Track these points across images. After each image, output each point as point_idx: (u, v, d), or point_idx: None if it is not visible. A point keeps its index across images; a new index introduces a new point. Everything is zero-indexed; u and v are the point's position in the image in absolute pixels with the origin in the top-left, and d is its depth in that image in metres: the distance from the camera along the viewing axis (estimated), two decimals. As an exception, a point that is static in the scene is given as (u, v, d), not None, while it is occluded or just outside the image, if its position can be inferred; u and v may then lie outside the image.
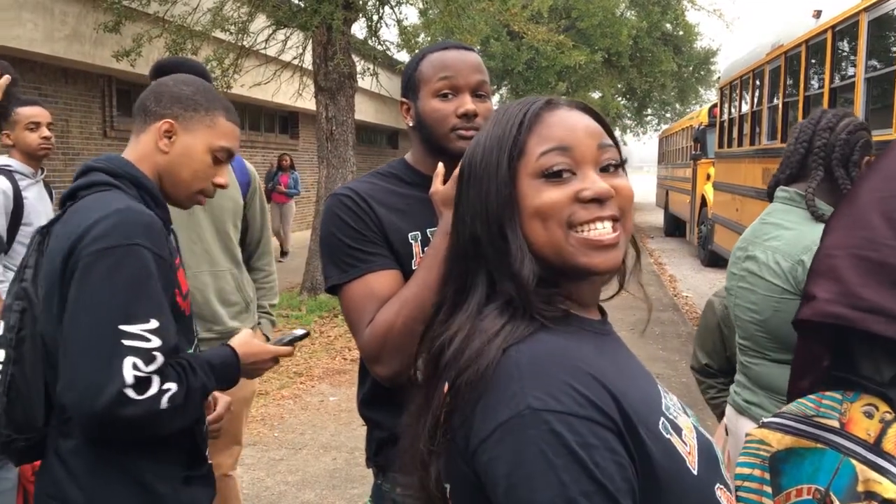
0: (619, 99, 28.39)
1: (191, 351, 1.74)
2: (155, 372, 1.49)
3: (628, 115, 31.32)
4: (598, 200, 1.01)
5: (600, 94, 26.38)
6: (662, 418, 1.00)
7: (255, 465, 4.66)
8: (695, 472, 0.98)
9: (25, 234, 3.38)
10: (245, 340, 1.81)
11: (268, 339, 3.30)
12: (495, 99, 26.94)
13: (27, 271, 1.63)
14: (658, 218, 22.93)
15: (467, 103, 1.71)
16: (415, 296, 1.56)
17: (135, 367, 1.46)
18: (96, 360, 1.46)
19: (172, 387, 1.52)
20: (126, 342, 1.46)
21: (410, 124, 1.81)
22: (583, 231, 1.01)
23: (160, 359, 1.49)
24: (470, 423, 0.96)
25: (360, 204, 1.71)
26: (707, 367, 2.89)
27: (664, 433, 0.97)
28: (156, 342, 1.49)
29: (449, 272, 1.10)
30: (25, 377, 1.61)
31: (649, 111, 31.47)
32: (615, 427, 0.92)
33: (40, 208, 3.47)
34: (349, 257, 1.68)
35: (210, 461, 1.82)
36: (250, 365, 1.80)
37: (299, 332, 1.98)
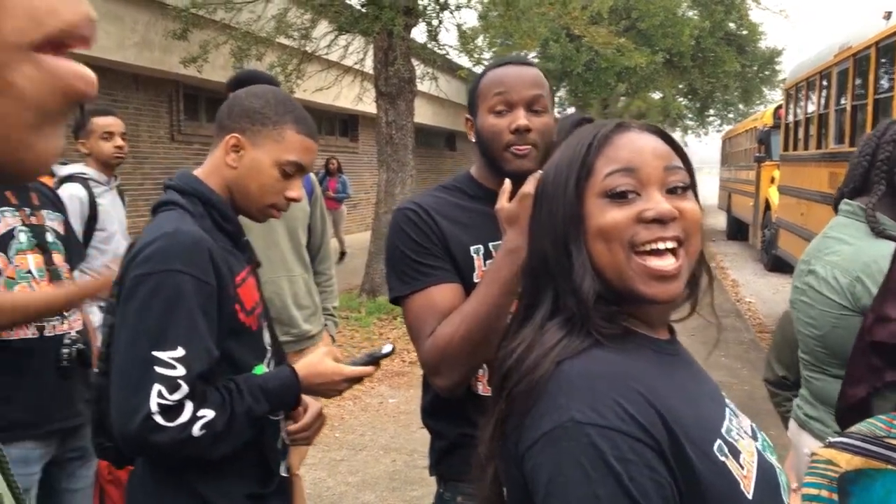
0: (681, 99, 27.99)
1: (262, 366, 1.72)
2: (186, 398, 1.48)
3: (690, 115, 30.85)
4: (661, 221, 1.02)
5: (661, 95, 26.06)
6: (719, 440, 1.01)
7: (317, 465, 4.75)
8: (749, 496, 0.99)
9: (100, 238, 3.52)
10: (310, 362, 1.75)
11: (333, 341, 3.40)
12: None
13: (115, 287, 1.66)
14: (720, 221, 22.50)
15: (519, 118, 1.72)
16: (474, 311, 1.60)
17: (160, 394, 1.46)
18: (130, 383, 1.48)
19: (209, 413, 1.50)
20: (157, 368, 1.46)
21: (473, 140, 1.84)
22: (644, 254, 1.03)
23: (185, 388, 1.47)
24: (521, 430, 1.00)
25: (423, 218, 1.75)
26: (784, 379, 2.83)
27: (718, 455, 0.99)
28: (180, 370, 1.48)
29: (523, 287, 1.14)
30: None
31: (711, 112, 30.93)
32: (657, 446, 0.94)
33: (114, 214, 3.61)
34: (412, 270, 1.72)
35: (286, 474, 1.79)
36: (319, 386, 1.74)
37: (385, 349, 1.86)
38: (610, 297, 1.05)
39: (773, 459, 1.11)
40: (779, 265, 12.25)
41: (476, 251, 1.75)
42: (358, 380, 1.79)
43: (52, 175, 3.75)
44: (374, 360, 1.82)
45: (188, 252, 1.54)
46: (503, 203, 1.62)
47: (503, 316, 1.50)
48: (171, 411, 1.46)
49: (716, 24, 22.34)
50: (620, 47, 11.77)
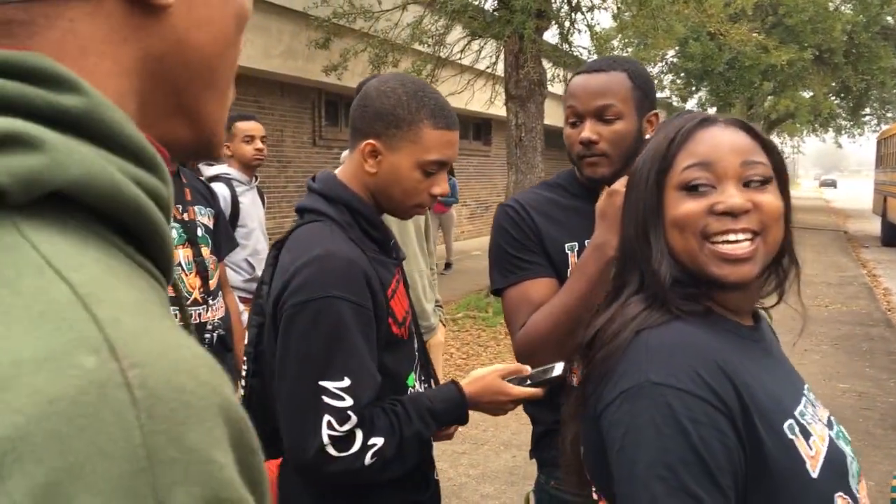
0: (833, 98, 26.47)
1: (412, 374, 1.70)
2: (355, 427, 1.46)
3: (843, 114, 29.12)
4: (732, 214, 1.09)
5: (811, 94, 24.74)
6: (791, 420, 1.06)
7: (440, 456, 4.85)
8: (814, 476, 1.03)
9: (241, 234, 3.81)
10: (479, 379, 1.66)
11: (444, 326, 3.59)
12: (692, 103, 26.00)
13: (263, 287, 1.67)
14: (874, 226, 21.13)
15: (584, 130, 1.74)
16: (563, 303, 1.67)
17: (329, 425, 1.44)
18: (299, 415, 1.47)
19: (378, 441, 1.48)
20: (325, 399, 1.44)
21: None
22: (716, 243, 1.09)
23: (353, 418, 1.46)
24: (600, 391, 1.09)
25: (521, 214, 1.83)
26: None
27: (788, 433, 1.04)
28: (348, 401, 1.46)
29: (616, 270, 1.23)
30: (263, 389, 1.66)
31: (867, 111, 29.06)
32: (728, 413, 1.00)
33: (253, 212, 3.90)
34: (510, 264, 1.81)
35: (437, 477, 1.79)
36: (486, 405, 1.66)
37: (556, 370, 1.66)
38: (688, 282, 1.13)
39: (846, 448, 1.13)
40: (937, 273, 11.42)
41: (571, 248, 1.80)
42: (524, 400, 1.69)
43: (200, 174, 4.10)
44: (544, 381, 1.67)
45: (344, 276, 1.50)
46: (601, 200, 1.69)
47: (590, 308, 1.47)
48: (342, 441, 1.45)
49: (871, 19, 20.99)
50: (759, 44, 11.31)
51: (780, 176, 1.16)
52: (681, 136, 1.14)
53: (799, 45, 18.08)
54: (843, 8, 21.38)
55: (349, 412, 1.45)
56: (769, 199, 1.12)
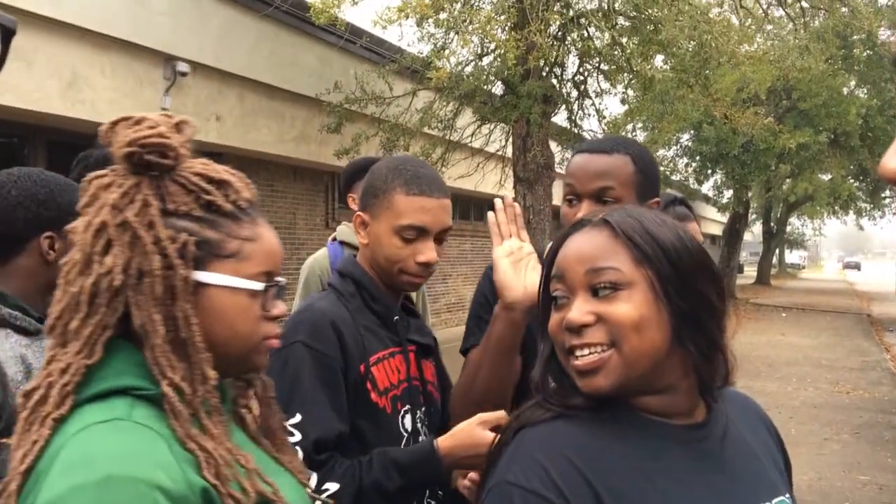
0: (851, 180, 26.42)
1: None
2: (311, 468, 1.45)
3: (862, 197, 29.01)
4: (571, 329, 1.04)
5: (829, 177, 24.71)
6: None
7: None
8: None
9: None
10: (458, 432, 1.58)
11: None
12: (708, 185, 26.04)
13: None
14: (899, 309, 20.80)
15: (581, 211, 1.68)
16: (471, 367, 1.75)
17: None
18: None
19: (332, 487, 1.50)
20: None
21: None
22: (572, 355, 1.05)
23: (300, 454, 1.45)
24: (484, 481, 1.10)
25: (489, 275, 1.82)
26: None
27: None
28: (297, 437, 1.49)
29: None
30: None
31: (886, 193, 28.94)
32: None
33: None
34: (475, 326, 1.84)
35: None
36: (468, 459, 1.56)
37: None
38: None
39: None
40: (964, 359, 11.11)
41: None
42: None
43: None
44: None
45: (311, 325, 1.61)
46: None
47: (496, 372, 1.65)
48: None
49: (886, 102, 21.09)
50: (767, 128, 11.37)
51: (683, 274, 1.04)
52: (556, 244, 1.13)
53: (814, 129, 18.14)
54: (857, 92, 21.55)
55: (296, 447, 1.45)
56: (618, 308, 1.02)
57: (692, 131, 21.09)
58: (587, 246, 1.07)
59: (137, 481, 0.87)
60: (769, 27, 12.25)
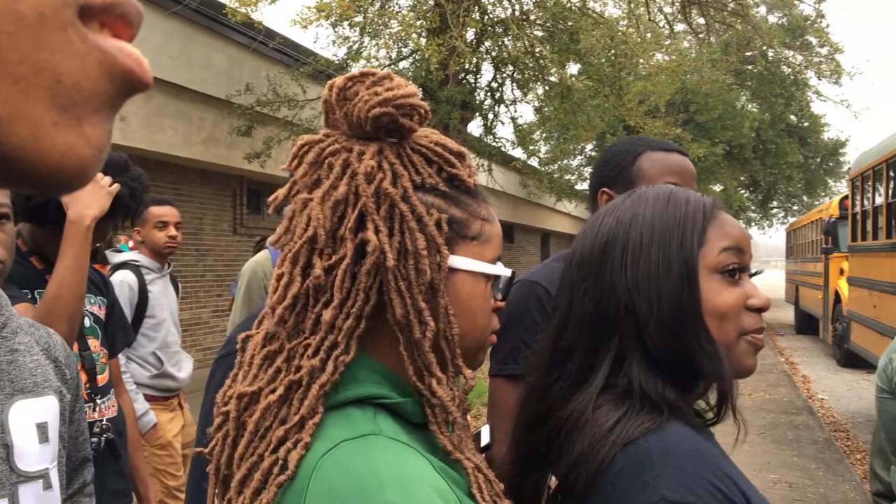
0: (742, 191, 27.66)
1: None
2: None
3: (752, 207, 30.42)
4: (762, 310, 1.02)
5: (722, 187, 25.81)
6: None
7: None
8: None
9: (149, 325, 3.53)
10: None
11: None
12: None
13: None
14: (787, 314, 21.83)
15: None
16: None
17: None
18: None
19: None
20: None
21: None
22: (749, 334, 1.01)
23: None
24: None
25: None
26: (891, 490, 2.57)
27: None
28: None
29: (575, 343, 1.03)
30: None
31: (775, 203, 30.46)
32: None
33: (164, 302, 3.62)
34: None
35: None
36: None
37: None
38: (672, 376, 0.98)
39: None
40: (852, 360, 11.73)
41: None
42: None
43: (107, 262, 3.82)
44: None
45: None
46: None
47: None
48: None
49: (776, 117, 22.22)
50: (677, 138, 11.76)
51: None
52: (708, 210, 1.03)
53: (710, 141, 18.90)
54: (749, 106, 22.60)
55: None
56: None
57: (595, 141, 21.62)
58: (746, 231, 1.07)
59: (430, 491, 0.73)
60: (667, 42, 12.67)
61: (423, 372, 0.84)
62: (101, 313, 2.59)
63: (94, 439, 2.36)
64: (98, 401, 2.42)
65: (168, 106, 8.88)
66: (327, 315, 0.80)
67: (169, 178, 9.60)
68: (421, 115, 0.86)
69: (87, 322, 2.49)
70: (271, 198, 0.89)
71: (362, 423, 0.78)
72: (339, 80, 0.85)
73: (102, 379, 2.47)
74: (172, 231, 3.67)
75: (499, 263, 0.93)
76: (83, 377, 2.40)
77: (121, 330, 2.75)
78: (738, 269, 1.01)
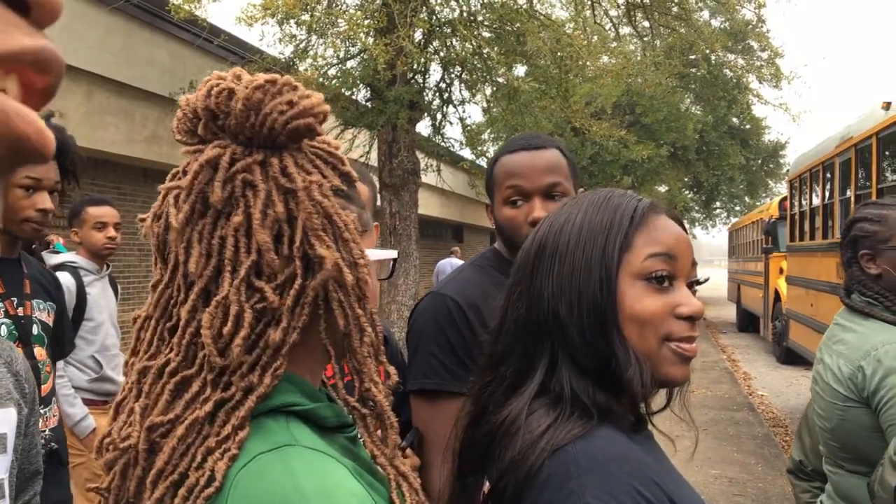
0: (686, 192, 28.20)
1: None
2: None
3: (696, 208, 31.03)
4: (693, 319, 0.99)
5: (667, 188, 26.25)
6: None
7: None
8: None
9: (87, 328, 3.45)
10: None
11: None
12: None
13: None
14: (730, 312, 22.31)
15: (535, 210, 1.62)
16: None
17: None
18: None
19: None
20: None
21: (493, 227, 1.76)
22: (674, 340, 0.99)
23: None
24: None
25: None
26: (801, 465, 2.68)
27: None
28: None
29: (510, 347, 1.04)
30: None
31: (717, 204, 31.13)
32: None
33: (103, 304, 3.55)
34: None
35: None
36: None
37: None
38: (598, 381, 0.98)
39: None
40: (791, 357, 12.05)
41: None
42: None
43: (43, 263, 3.72)
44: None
45: None
46: None
47: None
48: None
49: (719, 119, 22.69)
50: (622, 139, 11.93)
51: None
52: (639, 214, 1.02)
53: (655, 143, 19.22)
54: (693, 109, 23.04)
55: None
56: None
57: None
58: (687, 237, 1.05)
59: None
60: (613, 44, 12.84)
61: (362, 378, 0.83)
62: (50, 320, 2.51)
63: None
64: (41, 411, 2.35)
65: (109, 103, 8.69)
66: (276, 335, 0.79)
67: (111, 176, 9.39)
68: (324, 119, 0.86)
69: (34, 329, 2.41)
70: (147, 222, 0.87)
71: (277, 434, 0.77)
72: (241, 90, 0.81)
73: (46, 388, 2.41)
74: (111, 232, 3.59)
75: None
76: None
77: (67, 335, 2.68)
78: (666, 276, 0.99)
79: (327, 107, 0.84)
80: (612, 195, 1.06)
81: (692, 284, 1.04)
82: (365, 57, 8.80)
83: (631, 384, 0.94)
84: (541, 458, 0.89)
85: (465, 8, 9.30)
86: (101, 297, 3.53)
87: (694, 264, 1.05)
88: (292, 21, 8.67)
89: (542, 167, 1.65)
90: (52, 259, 3.50)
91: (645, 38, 12.70)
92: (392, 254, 0.92)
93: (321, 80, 9.16)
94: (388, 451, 0.85)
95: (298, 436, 0.77)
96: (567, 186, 1.66)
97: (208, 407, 0.77)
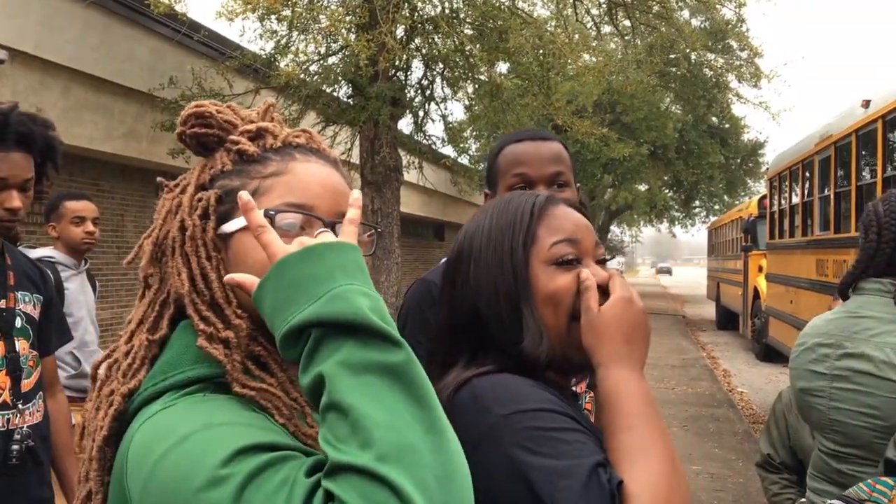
0: (666, 191, 28.35)
1: None
2: None
3: (676, 206, 31.21)
4: (600, 287, 1.09)
5: (647, 187, 26.39)
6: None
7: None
8: None
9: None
10: None
11: None
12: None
13: None
14: (709, 311, 22.46)
15: None
16: None
17: None
18: None
19: None
20: None
21: None
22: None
23: None
24: None
25: None
26: (769, 458, 2.68)
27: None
28: None
29: (438, 345, 1.17)
30: None
31: (697, 203, 31.33)
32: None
33: (81, 299, 3.50)
34: None
35: None
36: None
37: None
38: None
39: None
40: (770, 354, 12.14)
41: None
42: None
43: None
44: None
45: None
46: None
47: None
48: None
49: (698, 118, 22.83)
50: (603, 137, 11.97)
51: None
52: (537, 210, 1.14)
53: (636, 141, 19.30)
54: (673, 108, 23.16)
55: None
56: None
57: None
58: (586, 221, 1.17)
59: (233, 424, 0.82)
60: (595, 43, 12.89)
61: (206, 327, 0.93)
62: (36, 313, 2.45)
63: (15, 447, 2.25)
64: (21, 406, 2.30)
65: (88, 99, 8.59)
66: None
67: (90, 172, 9.28)
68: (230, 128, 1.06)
69: (18, 322, 2.36)
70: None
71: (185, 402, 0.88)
72: (219, 113, 1.09)
73: (28, 384, 2.35)
74: (90, 227, 3.54)
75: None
76: (8, 382, 2.28)
77: (57, 328, 2.63)
78: (574, 258, 1.10)
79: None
80: (513, 197, 1.19)
81: (602, 262, 1.14)
82: (346, 53, 8.75)
83: (529, 347, 1.06)
84: (445, 392, 1.02)
85: (447, 5, 9.29)
86: (79, 292, 3.48)
87: (597, 244, 1.14)
88: (273, 17, 8.61)
89: (548, 157, 1.70)
90: (29, 254, 3.45)
91: (626, 37, 12.75)
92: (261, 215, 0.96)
93: (302, 76, 9.11)
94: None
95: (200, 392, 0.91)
96: (569, 177, 1.72)
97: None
